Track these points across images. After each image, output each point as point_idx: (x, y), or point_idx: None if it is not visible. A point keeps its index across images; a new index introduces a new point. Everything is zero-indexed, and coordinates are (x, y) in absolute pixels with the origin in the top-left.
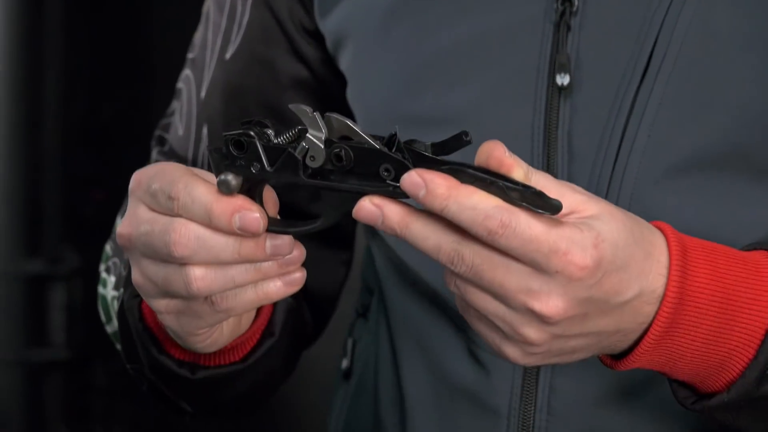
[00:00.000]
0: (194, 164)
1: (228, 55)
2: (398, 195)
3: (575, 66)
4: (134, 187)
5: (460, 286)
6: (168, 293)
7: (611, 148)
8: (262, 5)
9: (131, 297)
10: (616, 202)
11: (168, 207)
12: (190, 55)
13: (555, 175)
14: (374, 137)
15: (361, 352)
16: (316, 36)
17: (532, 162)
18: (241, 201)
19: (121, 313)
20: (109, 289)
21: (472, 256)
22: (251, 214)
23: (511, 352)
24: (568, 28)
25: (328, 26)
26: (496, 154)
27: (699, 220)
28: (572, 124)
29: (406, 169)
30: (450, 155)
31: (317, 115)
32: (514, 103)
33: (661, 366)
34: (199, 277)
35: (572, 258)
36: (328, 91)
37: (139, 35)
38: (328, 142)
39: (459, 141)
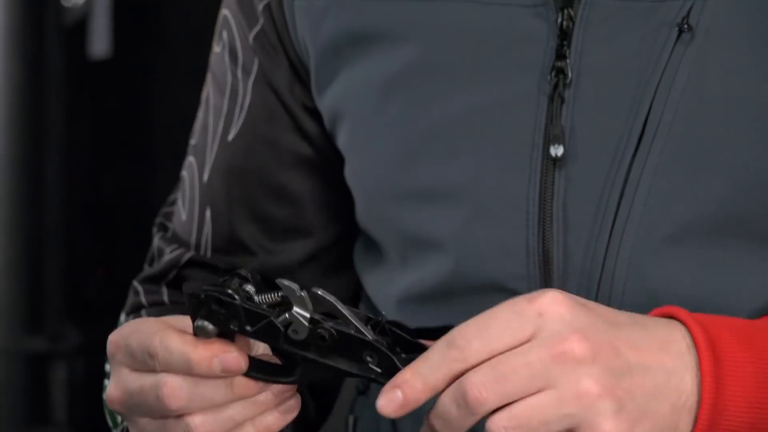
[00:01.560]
0: (197, 249)
1: (230, 137)
2: (379, 381)
3: (569, 137)
4: (113, 351)
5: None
6: None
7: (607, 218)
8: (263, 85)
9: None
10: (613, 272)
11: (149, 365)
12: (192, 142)
13: (551, 247)
14: (358, 315)
15: (362, 429)
16: (316, 113)
17: (527, 234)
18: (217, 345)
19: None
20: None
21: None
22: (230, 355)
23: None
24: (561, 100)
25: (324, 104)
26: None
27: (698, 288)
28: (567, 195)
29: (389, 359)
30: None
31: (305, 293)
32: (509, 175)
33: None
34: (199, 424)
35: (542, 298)
36: (331, 167)
37: (140, 111)
38: (313, 321)
39: (445, 333)
